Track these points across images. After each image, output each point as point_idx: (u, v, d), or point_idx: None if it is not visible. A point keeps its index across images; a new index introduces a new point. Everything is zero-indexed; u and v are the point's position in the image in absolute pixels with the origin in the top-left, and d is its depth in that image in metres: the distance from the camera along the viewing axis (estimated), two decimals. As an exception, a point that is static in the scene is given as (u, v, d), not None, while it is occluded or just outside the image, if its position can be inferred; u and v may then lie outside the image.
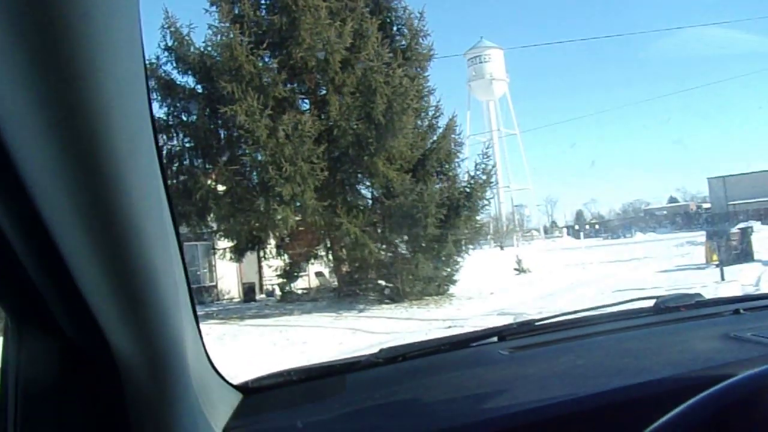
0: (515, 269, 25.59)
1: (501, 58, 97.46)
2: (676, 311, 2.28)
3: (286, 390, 1.81)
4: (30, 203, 0.84)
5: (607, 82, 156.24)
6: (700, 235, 23.38)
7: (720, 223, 79.34)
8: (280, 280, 21.43)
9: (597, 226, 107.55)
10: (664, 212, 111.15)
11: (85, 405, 1.10)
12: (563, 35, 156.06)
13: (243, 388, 1.73)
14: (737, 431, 0.87)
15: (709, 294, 2.82)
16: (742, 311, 2.19)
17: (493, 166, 19.01)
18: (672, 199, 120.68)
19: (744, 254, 21.14)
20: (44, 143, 0.74)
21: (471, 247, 19.89)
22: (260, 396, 1.74)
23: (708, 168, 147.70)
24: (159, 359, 1.08)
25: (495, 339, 2.10)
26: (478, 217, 19.60)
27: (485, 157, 18.76)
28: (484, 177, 18.33)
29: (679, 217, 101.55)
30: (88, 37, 0.67)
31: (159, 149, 0.98)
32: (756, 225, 73.67)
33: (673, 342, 1.95)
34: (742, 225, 28.06)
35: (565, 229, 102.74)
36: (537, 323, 2.24)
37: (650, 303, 2.34)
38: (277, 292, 22.39)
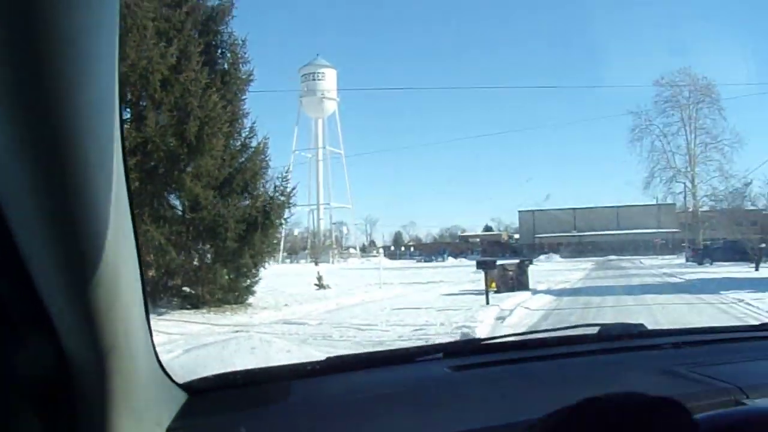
0: (315, 285, 26.92)
1: (334, 78, 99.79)
2: (618, 340, 2.32)
3: (232, 393, 1.81)
4: None
5: (438, 118, 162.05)
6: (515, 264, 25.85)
7: (527, 253, 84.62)
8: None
9: (412, 249, 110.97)
10: (478, 240, 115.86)
11: (30, 395, 1.09)
12: (397, 67, 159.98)
13: (188, 388, 1.71)
14: None
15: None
16: (681, 345, 2.23)
17: (293, 189, 20.17)
18: (487, 228, 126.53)
19: (519, 283, 23.74)
20: (10, 144, 0.76)
21: (267, 261, 20.86)
22: (205, 397, 1.74)
23: (522, 201, 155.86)
24: (106, 352, 1.07)
25: (440, 355, 2.12)
26: (278, 234, 20.41)
27: (284, 180, 19.88)
28: (283, 198, 19.46)
29: (491, 246, 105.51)
30: (55, 41, 0.69)
31: (125, 152, 0.98)
32: (555, 257, 79.42)
33: (613, 372, 2.00)
34: (520, 258, 30.88)
35: (382, 249, 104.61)
36: (483, 342, 2.33)
37: (594, 330, 2.38)
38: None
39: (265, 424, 1.59)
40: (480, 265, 21.10)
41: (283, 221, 20.43)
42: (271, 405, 1.69)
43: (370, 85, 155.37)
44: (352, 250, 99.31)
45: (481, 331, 12.81)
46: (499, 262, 23.96)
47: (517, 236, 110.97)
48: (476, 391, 1.81)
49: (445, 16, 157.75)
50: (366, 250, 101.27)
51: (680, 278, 30.94)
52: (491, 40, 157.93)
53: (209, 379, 1.83)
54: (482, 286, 19.90)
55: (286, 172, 20.38)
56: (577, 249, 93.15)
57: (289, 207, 20.32)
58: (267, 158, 20.22)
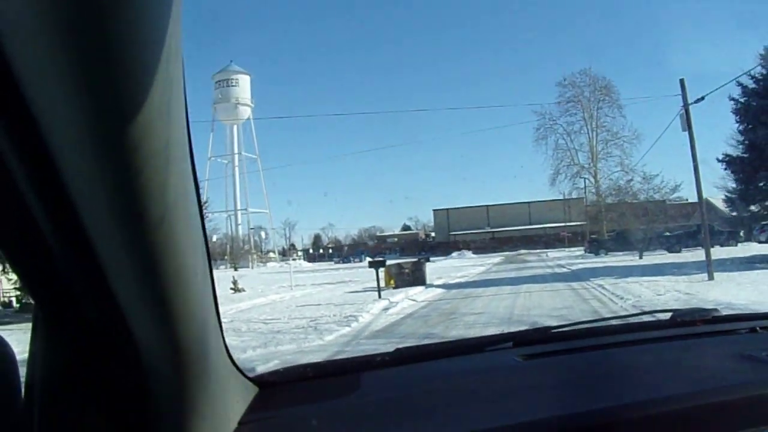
0: (231, 288, 28.73)
1: (248, 84, 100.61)
2: (691, 325, 2.26)
3: (302, 385, 1.83)
4: (65, 196, 0.84)
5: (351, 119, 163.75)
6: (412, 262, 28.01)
7: (444, 250, 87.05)
8: (17, 292, 21.98)
9: (331, 251, 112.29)
10: (395, 239, 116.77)
11: (108, 394, 1.11)
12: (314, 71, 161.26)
13: (259, 382, 1.73)
14: None
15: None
16: (758, 330, 2.13)
17: (205, 201, 21.56)
18: (405, 227, 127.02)
19: (416, 279, 25.94)
20: (84, 142, 0.76)
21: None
22: (276, 390, 1.74)
23: (438, 200, 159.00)
24: (182, 351, 1.08)
25: (510, 344, 2.09)
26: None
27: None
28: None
29: (408, 244, 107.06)
30: (132, 43, 0.69)
31: (191, 151, 0.99)
32: (468, 253, 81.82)
33: (687, 358, 1.93)
34: (419, 257, 33.24)
35: (301, 253, 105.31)
36: (552, 331, 2.26)
37: (667, 316, 2.34)
38: (15, 303, 22.68)
39: (335, 416, 1.56)
40: (371, 264, 23.30)
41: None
42: (342, 397, 1.67)
43: (285, 88, 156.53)
44: (271, 255, 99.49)
45: (365, 319, 15.33)
46: (395, 261, 26.34)
47: (433, 234, 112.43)
48: (548, 379, 1.76)
49: (360, 23, 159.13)
50: (286, 253, 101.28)
51: (567, 269, 33.54)
52: (400, 45, 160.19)
53: (279, 373, 1.87)
54: (382, 284, 22.16)
55: (203, 180, 21.69)
56: (490, 245, 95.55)
57: (204, 217, 21.36)
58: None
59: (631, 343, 2.08)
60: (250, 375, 1.72)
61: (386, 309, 17.67)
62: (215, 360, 1.28)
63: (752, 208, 31.43)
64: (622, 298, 15.86)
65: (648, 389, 1.56)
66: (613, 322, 2.58)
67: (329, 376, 1.90)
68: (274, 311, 19.24)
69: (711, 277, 19.07)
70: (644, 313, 2.63)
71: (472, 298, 19.81)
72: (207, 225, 1.24)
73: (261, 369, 1.68)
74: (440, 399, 1.64)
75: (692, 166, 20.85)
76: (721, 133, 76.54)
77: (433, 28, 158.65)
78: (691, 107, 20.73)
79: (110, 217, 0.86)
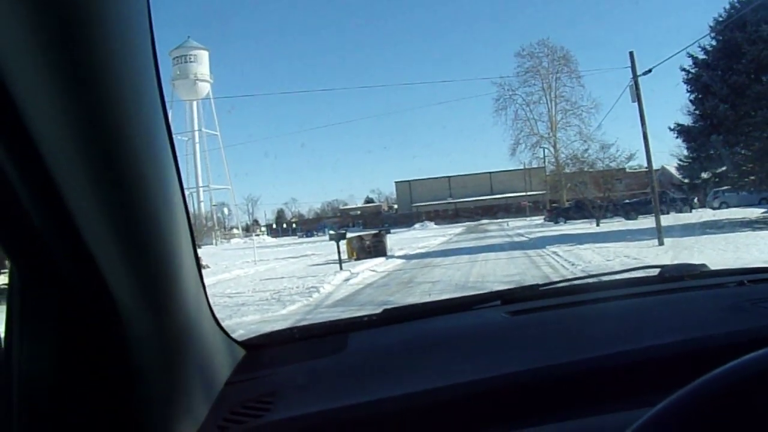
0: (195, 265, 28.94)
1: (206, 60, 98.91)
2: (680, 280, 2.27)
3: (289, 347, 1.84)
4: (41, 160, 0.82)
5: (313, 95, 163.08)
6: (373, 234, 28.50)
7: (408, 221, 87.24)
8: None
9: (294, 225, 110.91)
10: (358, 212, 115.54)
11: (92, 356, 1.07)
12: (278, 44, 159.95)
13: (246, 345, 1.74)
14: (759, 404, 0.73)
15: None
16: (746, 283, 2.14)
17: None
18: (368, 200, 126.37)
19: (377, 251, 26.53)
20: (64, 121, 0.78)
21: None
22: (263, 352, 1.75)
23: (400, 172, 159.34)
24: (163, 311, 1.10)
25: (498, 302, 2.10)
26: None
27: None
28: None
29: (371, 217, 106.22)
30: (101, 30, 0.72)
31: (166, 115, 1.01)
32: (430, 224, 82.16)
33: (676, 310, 1.93)
34: (377, 229, 33.67)
35: (265, 228, 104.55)
36: (541, 288, 2.27)
37: (655, 272, 2.35)
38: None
39: (322, 374, 1.56)
40: (332, 237, 23.72)
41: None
42: (329, 356, 1.66)
43: (244, 64, 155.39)
44: (235, 231, 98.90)
45: (326, 290, 15.88)
46: (357, 234, 26.85)
47: (396, 206, 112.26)
48: (535, 333, 1.76)
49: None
50: (249, 229, 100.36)
51: (526, 237, 34.11)
52: (366, 23, 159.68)
53: (266, 336, 1.87)
54: (344, 257, 22.64)
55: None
56: (452, 215, 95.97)
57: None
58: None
59: (619, 297, 2.08)
60: (237, 339, 1.74)
61: (347, 280, 18.16)
62: (201, 322, 1.29)
63: (704, 175, 32.15)
64: (573, 264, 16.44)
65: (635, 340, 1.56)
66: (602, 278, 2.62)
67: (316, 337, 1.91)
68: (238, 285, 19.63)
69: (661, 243, 19.64)
70: (633, 269, 2.62)
71: (431, 267, 20.31)
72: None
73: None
74: (427, 354, 1.66)
75: (642, 136, 21.45)
76: (677, 102, 77.66)
77: (392, 2, 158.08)
78: (645, 78, 21.33)
79: (85, 176, 0.86)
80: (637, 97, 21.18)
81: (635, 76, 21.25)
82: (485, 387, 1.38)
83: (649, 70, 21.12)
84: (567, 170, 53.33)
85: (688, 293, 2.17)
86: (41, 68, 0.74)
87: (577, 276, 2.72)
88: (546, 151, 73.16)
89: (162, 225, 1.02)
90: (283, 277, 20.86)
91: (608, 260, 16.38)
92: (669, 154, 43.79)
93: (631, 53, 21.58)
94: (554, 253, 20.72)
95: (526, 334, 1.77)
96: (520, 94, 76.71)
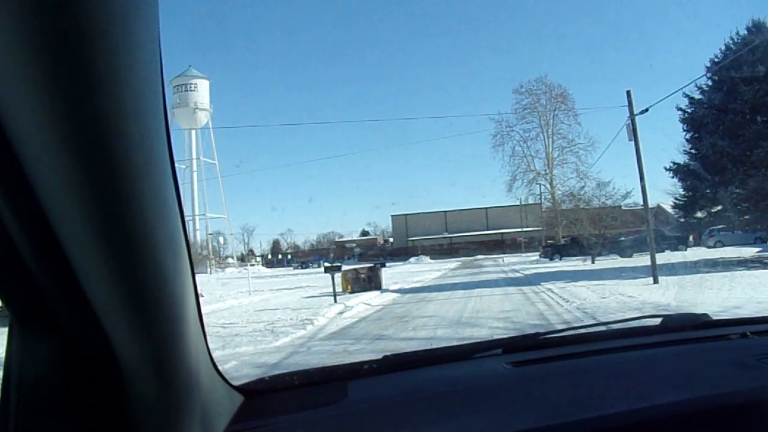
0: (189, 294, 28.82)
1: (207, 88, 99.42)
2: (682, 331, 2.25)
3: (288, 394, 1.81)
4: (37, 204, 0.81)
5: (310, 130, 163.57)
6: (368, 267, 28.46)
7: (402, 256, 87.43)
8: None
9: (290, 256, 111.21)
10: (354, 245, 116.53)
11: (87, 403, 1.06)
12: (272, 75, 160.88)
13: (245, 391, 1.72)
14: None
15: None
16: (749, 335, 2.11)
17: None
18: (364, 233, 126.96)
19: (371, 284, 26.46)
20: (55, 147, 0.73)
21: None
22: (262, 399, 1.73)
23: (396, 206, 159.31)
24: (163, 360, 1.06)
25: (499, 351, 2.09)
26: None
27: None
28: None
29: (367, 250, 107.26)
30: (106, 51, 0.67)
31: (172, 158, 0.96)
32: (425, 258, 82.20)
33: (679, 365, 1.90)
34: (375, 261, 33.63)
35: (260, 258, 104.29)
36: (541, 337, 2.25)
37: (657, 321, 2.33)
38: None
39: (323, 424, 1.54)
40: (327, 269, 23.58)
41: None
42: (329, 405, 1.64)
43: (243, 92, 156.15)
44: (230, 260, 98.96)
45: (320, 322, 15.75)
46: (352, 267, 26.79)
47: (392, 240, 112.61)
48: (538, 386, 1.74)
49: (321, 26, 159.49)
50: (245, 259, 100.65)
51: (521, 273, 33.93)
52: (363, 48, 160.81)
53: (265, 381, 1.85)
54: (339, 289, 22.59)
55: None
56: (448, 250, 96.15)
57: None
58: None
59: (622, 349, 2.06)
60: (235, 384, 1.71)
61: (341, 313, 18.09)
62: (199, 369, 1.25)
63: (699, 214, 32.28)
64: (567, 301, 16.34)
65: (640, 396, 1.55)
66: (603, 328, 2.59)
67: (316, 384, 1.89)
68: (232, 315, 19.53)
69: (656, 281, 19.59)
70: (635, 318, 2.58)
71: (425, 302, 20.22)
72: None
73: (221, 370, 1.62)
74: (428, 406, 1.63)
75: (638, 174, 21.53)
76: (672, 141, 77.99)
77: (393, 38, 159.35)
78: (641, 117, 21.45)
79: (81, 221, 0.82)
80: (634, 135, 21.29)
81: (632, 115, 21.37)
82: None
83: (646, 110, 21.29)
84: (563, 207, 53.38)
85: (691, 345, 2.13)
86: (37, 94, 0.70)
87: (579, 325, 2.68)
88: (542, 187, 73.08)
89: (167, 270, 0.97)
90: (277, 309, 20.81)
91: (603, 298, 16.33)
92: (665, 192, 44.04)
93: (628, 92, 21.71)
94: (549, 290, 20.64)
95: (529, 388, 1.75)
96: (518, 130, 76.71)
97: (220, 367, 1.55)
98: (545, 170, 73.83)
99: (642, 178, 21.51)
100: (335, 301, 20.76)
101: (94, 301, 0.94)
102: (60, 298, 0.96)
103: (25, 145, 0.75)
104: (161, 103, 0.88)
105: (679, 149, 33.16)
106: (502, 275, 34.65)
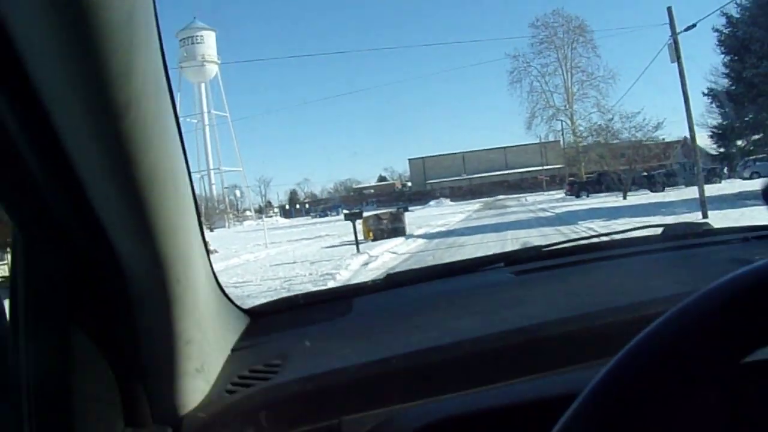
0: (204, 249, 27.62)
1: (213, 40, 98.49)
2: (683, 239, 2.25)
3: (294, 313, 1.83)
4: (46, 116, 0.84)
5: (323, 71, 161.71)
6: (390, 212, 27.07)
7: (422, 199, 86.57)
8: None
9: (307, 206, 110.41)
10: (372, 191, 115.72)
11: (93, 316, 1.09)
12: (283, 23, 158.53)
13: (251, 312, 1.74)
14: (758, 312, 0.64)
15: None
16: (750, 239, 2.13)
17: None
18: (381, 178, 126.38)
19: (395, 231, 24.87)
20: (67, 77, 0.77)
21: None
22: (268, 319, 1.74)
23: (413, 149, 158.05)
24: (169, 278, 1.07)
25: (502, 264, 2.10)
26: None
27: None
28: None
29: (385, 195, 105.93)
30: (108, 36, 0.71)
31: (170, 84, 0.99)
32: (446, 201, 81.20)
33: (680, 265, 1.95)
34: (396, 207, 32.30)
35: (278, 209, 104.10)
36: (544, 248, 2.26)
37: (658, 231, 2.32)
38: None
39: (327, 336, 1.56)
40: (347, 216, 22.27)
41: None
42: (334, 320, 1.69)
43: (252, 43, 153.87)
44: (248, 213, 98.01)
45: (343, 276, 14.31)
46: (372, 213, 25.26)
47: (410, 184, 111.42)
48: (540, 291, 1.77)
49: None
50: (262, 211, 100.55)
51: (551, 212, 32.81)
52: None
53: (271, 303, 1.88)
54: (360, 238, 21.09)
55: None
56: (468, 192, 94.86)
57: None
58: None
59: (623, 256, 2.11)
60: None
61: (366, 264, 16.68)
62: (204, 289, 1.26)
63: (739, 143, 30.59)
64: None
65: (642, 292, 1.52)
66: (604, 239, 2.56)
67: (320, 303, 1.92)
68: (246, 272, 18.11)
69: (705, 216, 18.16)
70: (635, 228, 2.44)
71: (457, 247, 18.82)
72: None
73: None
74: (433, 314, 1.66)
75: (683, 99, 19.97)
76: (700, 68, 75.81)
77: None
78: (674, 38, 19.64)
79: (90, 134, 0.84)
80: (677, 56, 19.48)
81: (674, 34, 19.56)
82: (492, 342, 1.37)
83: (693, 25, 19.56)
84: (585, 143, 51.98)
85: (692, 250, 2.16)
86: (47, 41, 0.73)
87: (580, 237, 2.71)
88: (563, 123, 71.33)
89: (167, 185, 0.97)
90: (295, 262, 19.21)
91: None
92: (694, 123, 42.07)
93: (669, 8, 19.88)
94: (590, 228, 19.34)
95: (531, 292, 1.78)
96: (535, 66, 75.47)
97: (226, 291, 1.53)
98: (565, 106, 72.58)
99: (687, 103, 19.84)
100: (358, 251, 19.31)
101: (100, 213, 0.98)
102: (66, 210, 1.00)
103: (35, 68, 0.79)
104: (160, 59, 0.90)
105: (710, 75, 31.39)
106: (531, 215, 33.40)
